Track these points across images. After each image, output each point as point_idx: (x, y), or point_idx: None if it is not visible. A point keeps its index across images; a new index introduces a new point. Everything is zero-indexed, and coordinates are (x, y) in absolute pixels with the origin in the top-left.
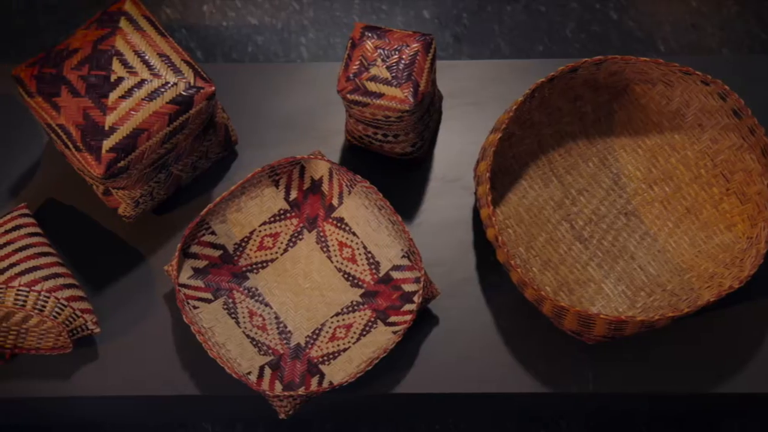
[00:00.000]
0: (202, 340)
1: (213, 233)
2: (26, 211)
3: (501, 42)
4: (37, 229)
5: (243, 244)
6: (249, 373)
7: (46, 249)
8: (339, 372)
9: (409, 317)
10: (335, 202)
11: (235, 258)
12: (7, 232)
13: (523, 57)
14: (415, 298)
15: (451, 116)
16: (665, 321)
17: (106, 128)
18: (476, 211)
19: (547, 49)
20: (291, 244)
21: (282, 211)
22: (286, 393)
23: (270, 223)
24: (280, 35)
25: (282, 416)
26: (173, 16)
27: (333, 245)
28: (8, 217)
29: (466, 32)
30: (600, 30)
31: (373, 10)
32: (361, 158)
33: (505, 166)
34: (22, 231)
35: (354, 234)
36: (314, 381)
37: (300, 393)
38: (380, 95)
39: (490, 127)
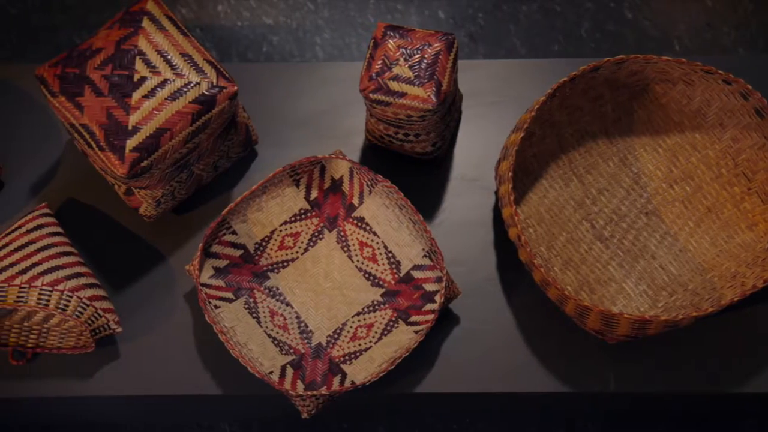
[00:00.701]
0: (224, 339)
1: (234, 233)
2: (47, 210)
3: (516, 41)
4: (59, 229)
5: (264, 243)
6: (271, 372)
7: (68, 248)
8: (361, 371)
9: (431, 317)
10: (356, 201)
11: (256, 257)
12: (28, 231)
13: (539, 56)
14: (437, 298)
15: (469, 116)
16: (689, 320)
17: (130, 128)
18: (496, 211)
19: (562, 49)
20: (311, 244)
21: (302, 211)
22: (309, 392)
23: (290, 222)
24: (295, 35)
25: (305, 415)
26: (188, 16)
27: (353, 245)
28: (30, 216)
29: (481, 32)
30: (615, 29)
31: (388, 10)
32: (381, 158)
33: (525, 165)
34: (44, 230)
35: (374, 233)
36: (336, 380)
37: (323, 392)
38: (403, 94)
39: (509, 127)
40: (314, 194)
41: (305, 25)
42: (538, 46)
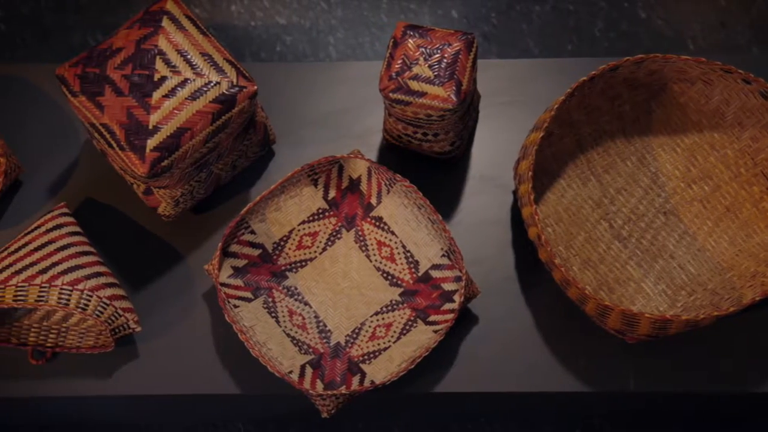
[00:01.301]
0: (244, 339)
1: (252, 232)
2: (66, 210)
3: (530, 41)
4: (77, 228)
5: (282, 243)
6: (290, 372)
7: (87, 248)
8: (380, 371)
9: (450, 316)
10: (374, 201)
11: (275, 257)
12: (48, 231)
13: (552, 56)
14: (456, 297)
15: (486, 115)
16: (710, 320)
17: (150, 127)
18: (514, 210)
19: (576, 49)
20: (329, 244)
21: (320, 210)
22: (329, 392)
23: (309, 222)
24: (308, 35)
25: (325, 415)
26: (202, 16)
27: (371, 244)
28: (49, 216)
29: (494, 32)
30: (629, 29)
31: (401, 10)
32: (398, 157)
33: (543, 165)
34: (63, 230)
35: (393, 233)
36: (355, 380)
37: (343, 392)
38: (423, 94)
39: (525, 126)
40: (332, 194)
41: (318, 25)
42: (552, 46)
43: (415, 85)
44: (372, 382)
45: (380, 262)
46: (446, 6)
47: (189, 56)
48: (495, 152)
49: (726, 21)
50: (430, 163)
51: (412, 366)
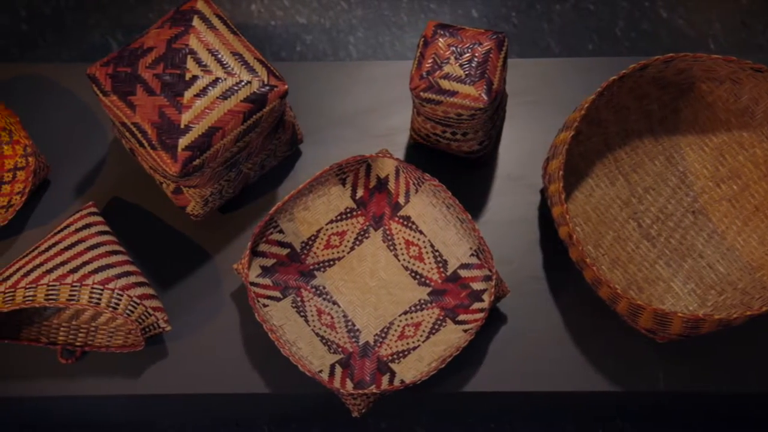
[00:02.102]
0: (275, 338)
1: (281, 231)
2: (94, 209)
3: (550, 41)
4: (106, 228)
5: (310, 242)
6: (320, 371)
7: (116, 247)
8: (410, 370)
9: (479, 315)
10: (401, 200)
11: (303, 256)
12: (77, 230)
13: (573, 55)
14: (485, 297)
15: (511, 114)
16: (742, 320)
17: (182, 126)
18: (542, 210)
19: (597, 48)
20: (357, 243)
21: (348, 210)
22: (361, 391)
23: (337, 221)
24: (328, 34)
25: (355, 414)
26: None
27: (399, 243)
28: (78, 215)
29: (515, 31)
30: (649, 28)
31: (421, 9)
32: (424, 156)
33: (571, 164)
34: (93, 229)
35: (421, 232)
36: (384, 379)
37: (374, 391)
38: (454, 93)
39: (551, 125)
40: (360, 193)
41: (338, 24)
42: (573, 46)
43: (446, 84)
44: (402, 381)
45: (408, 262)
46: (466, 5)
47: (220, 55)
48: (521, 151)
49: (747, 20)
50: (456, 163)
51: (443, 365)
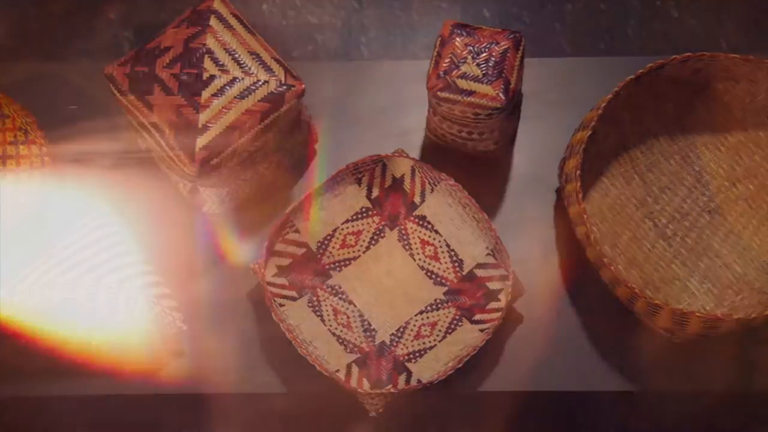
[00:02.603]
0: (292, 337)
1: (297, 231)
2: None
3: (562, 40)
4: (121, 227)
5: (326, 242)
6: (337, 371)
7: (132, 246)
8: (426, 370)
9: (496, 315)
10: (417, 200)
11: (319, 256)
12: (92, 230)
13: (586, 55)
14: (502, 296)
15: (526, 114)
16: (761, 320)
17: (200, 126)
18: (557, 209)
19: (609, 47)
20: (373, 242)
21: (364, 209)
22: (379, 391)
23: (352, 221)
24: (340, 34)
25: (372, 414)
26: None
27: (415, 243)
28: (93, 214)
29: (527, 30)
30: (661, 28)
31: (433, 9)
32: (439, 156)
33: (587, 163)
34: (108, 229)
35: (437, 232)
36: (401, 379)
37: (392, 391)
38: (471, 92)
39: (566, 125)
40: (375, 192)
41: (350, 24)
42: (585, 45)
43: (463, 84)
44: (419, 380)
45: (424, 261)
46: (478, 5)
47: (237, 55)
48: (536, 151)
49: (760, 20)
50: (471, 162)
51: (460, 365)
